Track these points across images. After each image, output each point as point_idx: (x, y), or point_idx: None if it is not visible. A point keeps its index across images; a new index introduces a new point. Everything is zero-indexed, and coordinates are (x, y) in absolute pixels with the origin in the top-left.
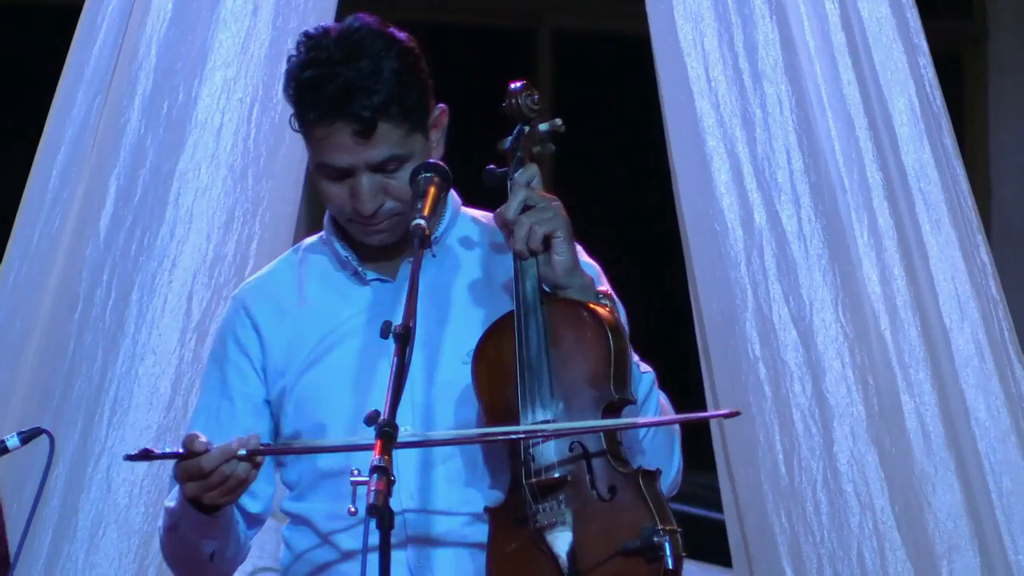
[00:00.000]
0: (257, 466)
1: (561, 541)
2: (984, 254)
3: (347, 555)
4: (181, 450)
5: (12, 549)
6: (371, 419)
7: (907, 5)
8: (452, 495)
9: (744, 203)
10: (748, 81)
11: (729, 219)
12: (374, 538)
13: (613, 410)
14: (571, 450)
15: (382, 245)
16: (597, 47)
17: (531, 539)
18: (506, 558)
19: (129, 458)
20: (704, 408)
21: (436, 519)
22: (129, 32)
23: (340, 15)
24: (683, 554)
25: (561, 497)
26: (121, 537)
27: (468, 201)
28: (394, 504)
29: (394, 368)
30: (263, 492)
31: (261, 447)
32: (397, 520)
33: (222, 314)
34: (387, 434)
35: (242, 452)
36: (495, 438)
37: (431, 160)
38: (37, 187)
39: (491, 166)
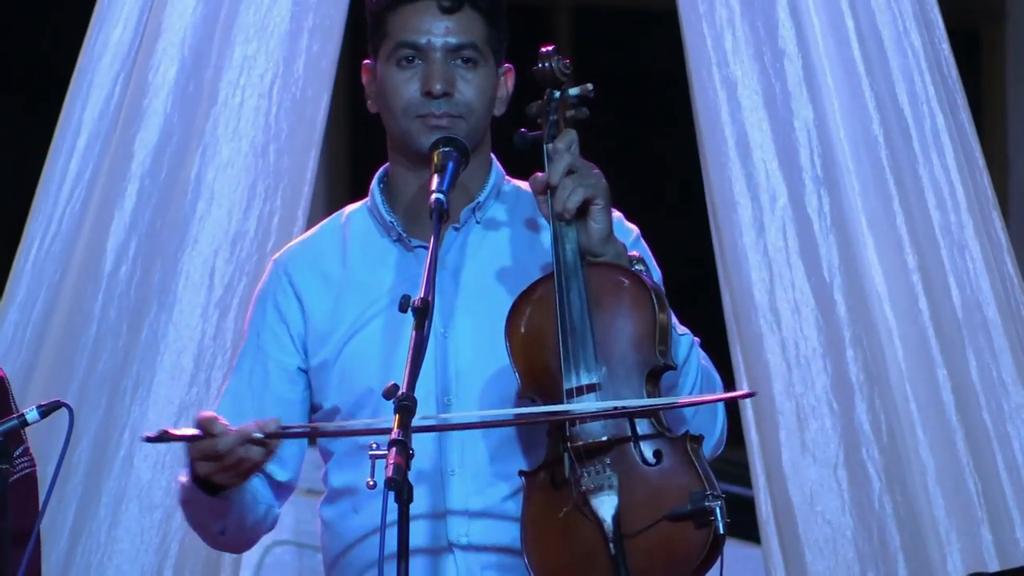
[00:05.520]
0: (271, 451)
1: (606, 505)
2: (1000, 231)
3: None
4: (198, 431)
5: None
6: (389, 392)
7: None
8: (498, 466)
9: (767, 181)
10: (768, 58)
11: (751, 196)
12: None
13: (656, 375)
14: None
15: (439, 145)
16: (616, 21)
17: (574, 503)
18: (544, 521)
19: (148, 439)
20: (732, 380)
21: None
22: (154, 9)
23: None
24: (728, 521)
25: (607, 461)
26: (143, 512)
27: None
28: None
29: (413, 342)
30: (292, 459)
31: (279, 431)
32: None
33: (264, 278)
34: (405, 408)
35: (258, 435)
36: (533, 420)
37: (449, 135)
38: (60, 163)
39: (523, 130)
